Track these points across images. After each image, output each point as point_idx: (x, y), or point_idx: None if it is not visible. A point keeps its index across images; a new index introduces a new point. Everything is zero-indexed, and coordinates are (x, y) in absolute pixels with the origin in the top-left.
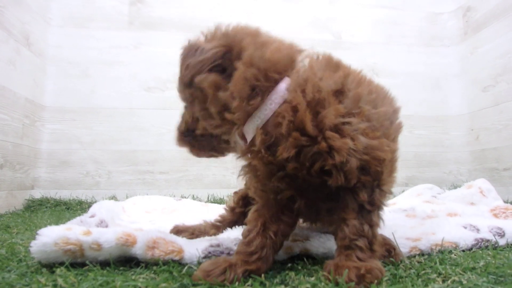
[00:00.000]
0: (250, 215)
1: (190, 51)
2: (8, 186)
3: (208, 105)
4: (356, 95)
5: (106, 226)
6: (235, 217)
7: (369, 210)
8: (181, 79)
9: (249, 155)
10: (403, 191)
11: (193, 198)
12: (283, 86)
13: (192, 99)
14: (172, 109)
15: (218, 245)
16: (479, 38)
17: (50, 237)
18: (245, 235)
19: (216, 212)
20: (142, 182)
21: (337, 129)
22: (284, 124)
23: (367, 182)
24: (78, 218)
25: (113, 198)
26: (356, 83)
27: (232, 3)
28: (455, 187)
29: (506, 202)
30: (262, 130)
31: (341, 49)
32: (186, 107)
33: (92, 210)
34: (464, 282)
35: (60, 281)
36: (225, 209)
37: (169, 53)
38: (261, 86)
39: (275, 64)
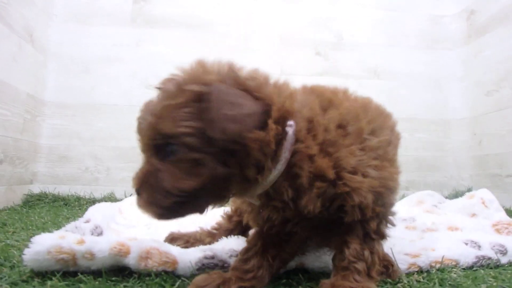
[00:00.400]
0: (251, 235)
1: (224, 99)
2: (7, 181)
3: (246, 161)
4: (359, 130)
5: (101, 232)
6: (231, 225)
7: (373, 239)
8: (222, 131)
9: (263, 209)
10: (403, 195)
11: (222, 214)
12: (291, 130)
13: (225, 154)
14: None
15: (212, 257)
16: (483, 42)
17: (43, 245)
18: (243, 252)
19: (213, 214)
20: None
21: (353, 170)
22: (304, 175)
23: (380, 212)
24: (73, 224)
25: (111, 194)
26: (354, 115)
27: (233, 3)
28: (456, 192)
29: (509, 209)
30: (288, 183)
31: (342, 50)
32: (201, 163)
33: (87, 214)
34: None
35: None
36: (222, 216)
37: (170, 51)
38: (279, 135)
39: (288, 111)
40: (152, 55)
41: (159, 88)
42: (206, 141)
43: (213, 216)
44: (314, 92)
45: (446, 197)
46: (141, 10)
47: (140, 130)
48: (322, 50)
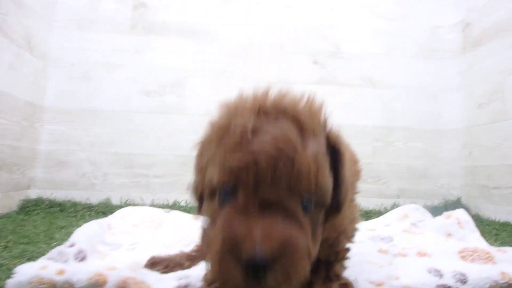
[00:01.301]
0: None
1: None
2: (4, 188)
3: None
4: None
5: (84, 257)
6: None
7: (332, 280)
8: (346, 192)
9: None
10: (394, 204)
11: (186, 203)
12: None
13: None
14: (171, 114)
15: (186, 286)
16: (477, 54)
17: (25, 275)
18: (208, 282)
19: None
20: (137, 185)
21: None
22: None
23: (346, 254)
24: (57, 249)
25: (107, 200)
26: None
27: (233, 11)
28: (446, 202)
29: (494, 221)
30: None
31: (340, 58)
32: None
33: (72, 238)
34: None
35: None
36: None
37: (169, 58)
38: None
39: None
40: (152, 62)
41: (297, 119)
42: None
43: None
44: None
45: (436, 206)
46: (141, 17)
47: (289, 170)
48: (319, 59)
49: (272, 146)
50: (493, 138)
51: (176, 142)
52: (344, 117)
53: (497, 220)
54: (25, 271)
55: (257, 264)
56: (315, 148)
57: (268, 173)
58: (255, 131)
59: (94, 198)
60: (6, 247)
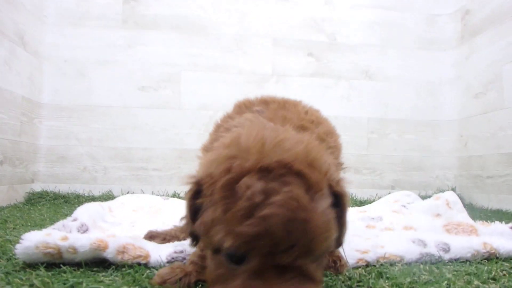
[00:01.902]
0: None
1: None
2: (8, 180)
3: None
4: None
5: (87, 229)
6: None
7: None
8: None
9: None
10: (388, 194)
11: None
12: None
13: None
14: (165, 108)
15: (181, 252)
16: (475, 43)
17: (31, 241)
18: (201, 248)
19: None
20: (136, 178)
21: None
22: None
23: None
24: (61, 222)
25: (109, 192)
26: None
27: (226, 3)
28: (440, 192)
29: (487, 209)
30: None
31: (335, 51)
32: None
33: (75, 214)
34: None
35: (35, 281)
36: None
37: (162, 52)
38: None
39: None
40: (145, 56)
41: (303, 175)
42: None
43: None
44: None
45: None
46: (132, 12)
47: (303, 232)
48: (314, 51)
49: (285, 210)
50: (488, 128)
51: (171, 136)
52: (339, 110)
53: (489, 208)
54: (32, 237)
55: None
56: (324, 204)
57: (283, 239)
58: (265, 195)
59: (96, 190)
60: (14, 228)
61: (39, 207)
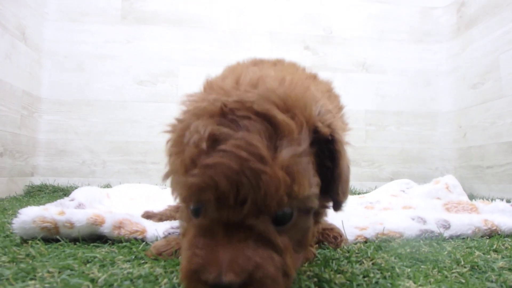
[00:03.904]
0: None
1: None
2: (8, 172)
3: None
4: None
5: (84, 209)
6: None
7: None
8: (345, 193)
9: None
10: None
11: None
12: None
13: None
14: (163, 102)
15: (178, 227)
16: (471, 35)
17: (28, 215)
18: None
19: None
20: (135, 171)
21: None
22: None
23: None
24: (58, 201)
25: (108, 185)
26: None
27: None
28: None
29: (487, 199)
30: None
31: (331, 44)
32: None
33: (72, 194)
34: (383, 264)
35: (32, 251)
36: None
37: (160, 47)
38: None
39: None
40: (143, 51)
41: (268, 117)
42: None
43: None
44: None
45: None
46: (131, 7)
47: (254, 187)
48: (311, 44)
49: (233, 160)
50: (487, 118)
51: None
52: None
53: (491, 198)
54: (29, 212)
55: None
56: (291, 153)
57: (230, 193)
58: (214, 141)
59: (95, 184)
60: (12, 214)
61: (39, 199)
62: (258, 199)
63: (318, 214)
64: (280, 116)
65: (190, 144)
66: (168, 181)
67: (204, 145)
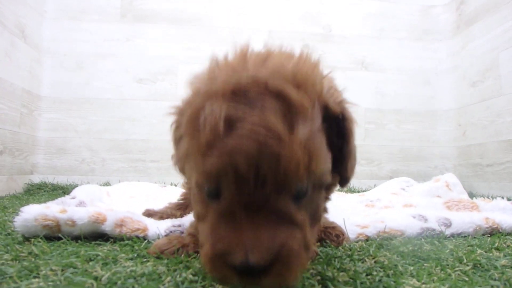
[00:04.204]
0: None
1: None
2: (8, 171)
3: None
4: None
5: (85, 207)
6: None
7: None
8: (353, 169)
9: None
10: None
11: (182, 184)
12: None
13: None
14: (162, 101)
15: (179, 225)
16: (470, 33)
17: (30, 213)
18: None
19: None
20: (134, 169)
21: None
22: None
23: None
24: (59, 199)
25: (107, 184)
26: None
27: None
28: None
29: (487, 197)
30: None
31: (331, 42)
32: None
33: (73, 192)
34: (385, 262)
35: (34, 249)
36: (183, 186)
37: (159, 46)
38: None
39: None
40: (142, 50)
41: (283, 95)
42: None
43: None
44: None
45: None
46: (130, 6)
47: (274, 167)
48: (310, 43)
49: (251, 142)
50: (486, 116)
51: (169, 128)
52: None
53: (490, 196)
54: (31, 210)
55: (251, 270)
56: (306, 130)
57: (251, 175)
58: (230, 124)
59: (95, 182)
60: (13, 212)
61: (38, 197)
62: (278, 178)
63: (329, 189)
64: (294, 94)
65: (206, 127)
66: (168, 175)
67: (221, 128)
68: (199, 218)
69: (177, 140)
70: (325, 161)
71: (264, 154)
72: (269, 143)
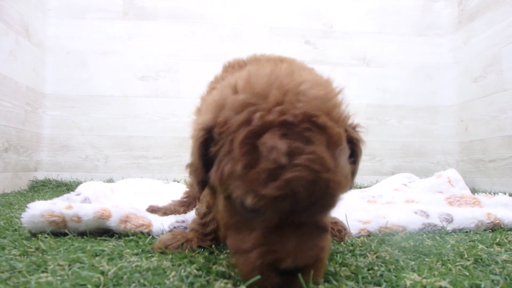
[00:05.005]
0: (204, 197)
1: None
2: (13, 168)
3: None
4: None
5: (90, 203)
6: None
7: None
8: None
9: None
10: None
11: (185, 182)
12: None
13: None
14: (164, 97)
15: (183, 221)
16: (473, 28)
17: (37, 209)
18: (200, 216)
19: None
20: (137, 166)
21: None
22: None
23: None
24: (65, 196)
25: (110, 180)
26: None
27: None
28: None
29: (490, 193)
30: None
31: (332, 38)
32: None
33: (78, 189)
34: (387, 257)
35: (41, 245)
36: (186, 184)
37: (161, 43)
38: None
39: None
40: (144, 47)
41: (326, 129)
42: None
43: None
44: None
45: None
46: (132, 4)
47: (324, 193)
48: (311, 39)
49: (308, 173)
50: (489, 111)
51: (171, 125)
52: None
53: (492, 192)
54: (38, 206)
55: (293, 272)
56: (344, 158)
57: (305, 199)
58: (289, 156)
59: (98, 178)
60: (18, 209)
61: (43, 194)
62: (325, 200)
63: None
64: (335, 128)
65: (268, 158)
66: (170, 172)
67: (283, 160)
68: (229, 227)
69: (203, 156)
70: (350, 180)
71: (318, 183)
72: (322, 174)
